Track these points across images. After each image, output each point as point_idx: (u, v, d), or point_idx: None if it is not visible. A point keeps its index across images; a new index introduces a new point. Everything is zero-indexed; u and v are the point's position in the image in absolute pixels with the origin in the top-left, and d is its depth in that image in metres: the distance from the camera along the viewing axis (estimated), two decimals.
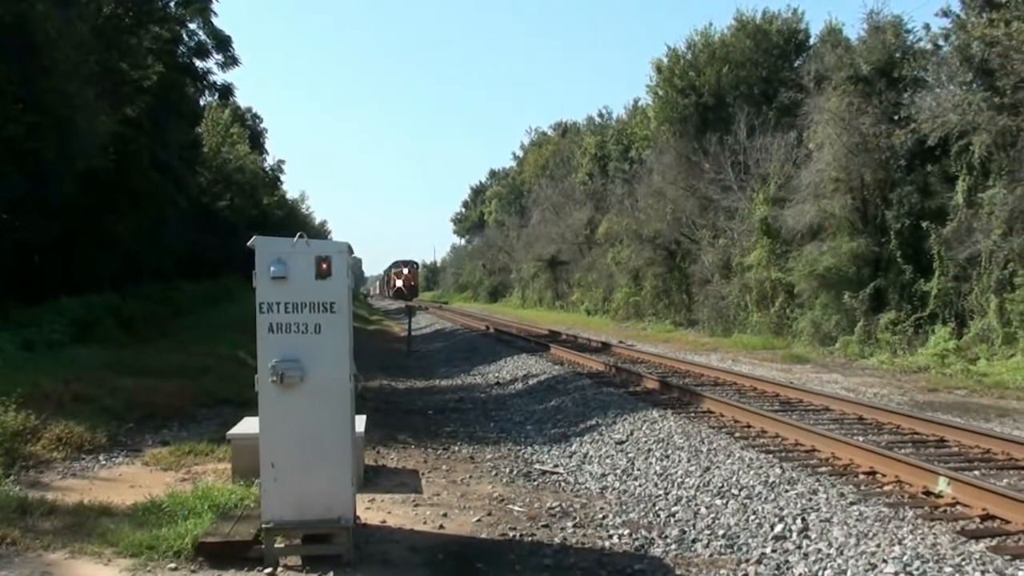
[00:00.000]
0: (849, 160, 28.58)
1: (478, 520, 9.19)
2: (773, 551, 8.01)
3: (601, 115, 75.04)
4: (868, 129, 27.92)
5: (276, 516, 7.42)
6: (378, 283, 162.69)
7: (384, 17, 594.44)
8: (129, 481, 10.53)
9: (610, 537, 8.71)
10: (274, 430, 7.43)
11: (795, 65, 40.25)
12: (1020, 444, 11.70)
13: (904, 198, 27.30)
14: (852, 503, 8.84)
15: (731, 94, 40.62)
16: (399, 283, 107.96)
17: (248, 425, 10.13)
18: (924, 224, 25.66)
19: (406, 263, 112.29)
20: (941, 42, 26.91)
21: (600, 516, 9.47)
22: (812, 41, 41.58)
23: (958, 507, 9.07)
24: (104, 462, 11.61)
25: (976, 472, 10.58)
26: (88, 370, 16.62)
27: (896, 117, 27.24)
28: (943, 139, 24.53)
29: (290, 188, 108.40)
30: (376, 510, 9.36)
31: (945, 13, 25.80)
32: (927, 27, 27.89)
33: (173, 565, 7.40)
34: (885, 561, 7.38)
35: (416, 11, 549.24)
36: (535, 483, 11.09)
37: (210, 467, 11.20)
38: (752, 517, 8.92)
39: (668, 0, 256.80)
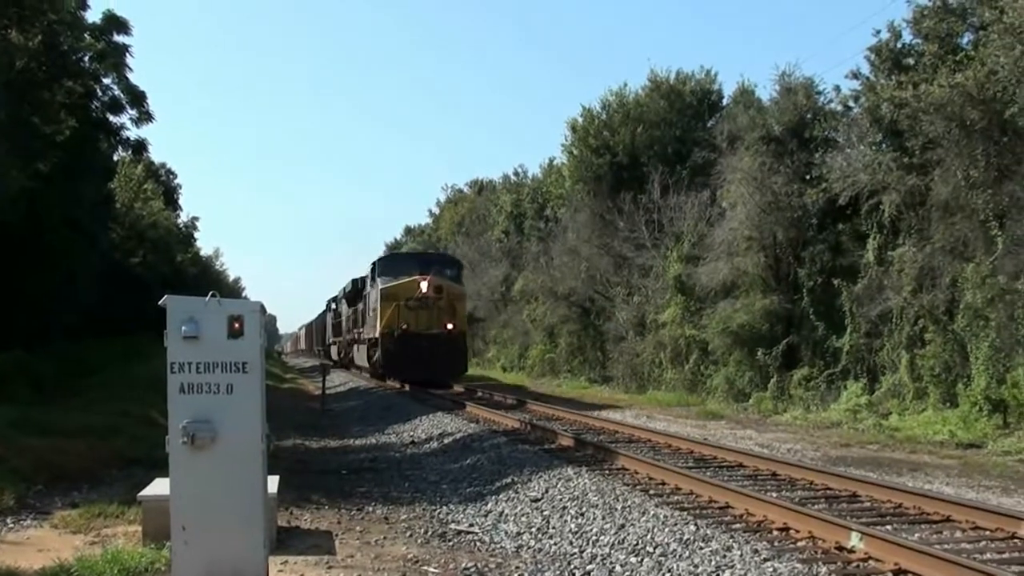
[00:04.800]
0: (762, 219, 28.93)
1: None
2: None
3: (516, 173, 75.32)
4: (780, 188, 28.31)
5: None
6: (303, 332, 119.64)
7: (296, 74, 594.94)
8: (37, 544, 10.23)
9: None
10: (185, 492, 7.29)
11: (708, 125, 40.66)
12: (931, 498, 11.81)
13: (816, 256, 27.70)
14: (766, 559, 8.84)
15: (645, 153, 40.87)
16: (418, 319, 36.54)
17: (160, 486, 9.92)
18: (836, 281, 26.00)
19: (424, 257, 44.26)
20: (851, 103, 27.43)
21: None
22: (725, 102, 42.14)
23: (871, 562, 9.10)
24: (11, 525, 11.27)
25: (888, 527, 10.65)
26: None
27: (808, 177, 27.67)
28: (854, 198, 24.95)
29: (204, 245, 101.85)
30: (289, 572, 9.17)
31: (855, 75, 26.36)
32: (837, 89, 28.44)
33: None
34: None
35: (328, 68, 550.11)
36: (450, 543, 10.96)
37: (120, 530, 10.92)
38: (667, 575, 8.90)
39: (583, 60, 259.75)
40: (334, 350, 64.88)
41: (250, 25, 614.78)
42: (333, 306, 65.94)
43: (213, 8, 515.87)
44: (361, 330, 44.69)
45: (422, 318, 36.39)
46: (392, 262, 41.34)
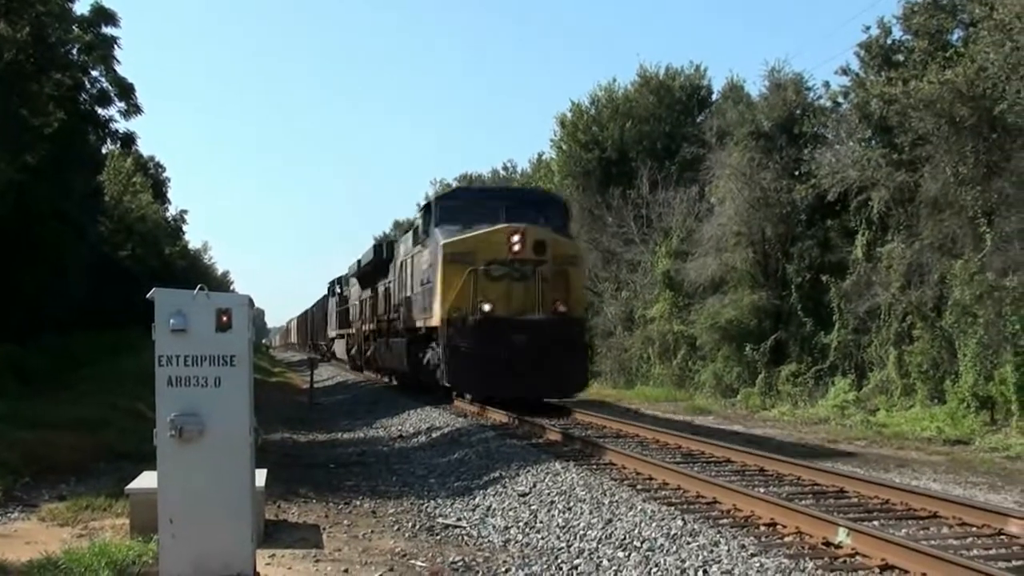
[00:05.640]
0: (750, 214, 28.95)
1: None
2: None
3: (506, 168, 75.12)
4: (769, 184, 28.33)
5: (174, 573, 7.22)
6: (295, 324, 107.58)
7: (285, 70, 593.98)
8: (24, 537, 10.17)
9: None
10: (173, 485, 7.26)
11: (697, 120, 40.77)
12: (918, 494, 11.79)
13: (804, 252, 27.73)
14: (753, 554, 8.82)
15: (634, 149, 40.90)
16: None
17: (147, 479, 9.86)
18: (824, 277, 25.99)
19: (511, 194, 30.14)
20: (841, 99, 27.47)
21: (503, 570, 9.34)
22: (714, 97, 42.21)
23: (858, 557, 9.07)
24: None
25: (875, 522, 10.61)
26: None
27: (797, 172, 27.68)
28: (842, 194, 24.97)
29: (193, 238, 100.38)
30: (276, 566, 9.14)
31: (845, 71, 26.37)
32: (827, 85, 28.46)
33: None
34: None
35: (319, 62, 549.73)
36: (438, 537, 10.93)
37: (108, 522, 10.85)
38: (654, 570, 8.86)
39: (573, 55, 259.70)
40: (340, 345, 50.17)
41: (249, 24, 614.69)
42: (338, 289, 50.90)
43: (213, 7, 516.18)
44: (395, 316, 29.49)
45: (516, 294, 22.30)
46: (460, 202, 25.10)
